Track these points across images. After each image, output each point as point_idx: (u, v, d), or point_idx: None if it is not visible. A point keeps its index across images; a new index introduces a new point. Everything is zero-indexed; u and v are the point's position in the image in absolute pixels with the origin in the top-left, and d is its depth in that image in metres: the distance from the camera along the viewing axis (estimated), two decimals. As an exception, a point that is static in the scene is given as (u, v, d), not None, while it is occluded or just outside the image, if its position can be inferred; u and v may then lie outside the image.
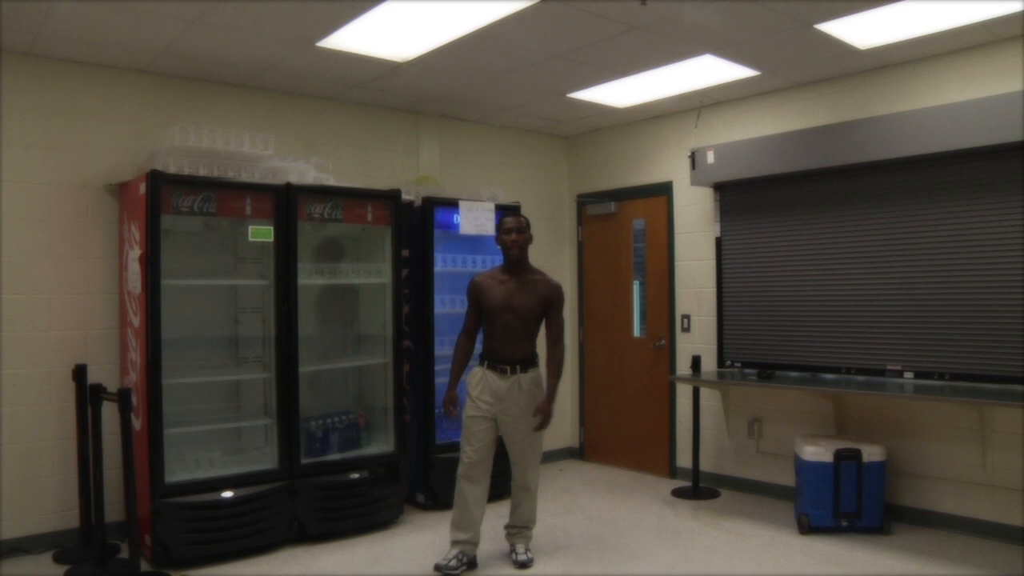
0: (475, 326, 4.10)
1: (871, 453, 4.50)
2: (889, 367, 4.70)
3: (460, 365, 4.11)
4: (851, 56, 4.61)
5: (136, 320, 4.21)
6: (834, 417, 5.03)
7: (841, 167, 4.79)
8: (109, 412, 4.05)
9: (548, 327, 4.05)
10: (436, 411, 5.13)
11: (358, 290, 5.19)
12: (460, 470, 4.01)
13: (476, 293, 4.07)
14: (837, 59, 4.66)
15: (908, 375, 4.62)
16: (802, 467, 4.63)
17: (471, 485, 3.98)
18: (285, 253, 4.39)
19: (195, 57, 4.47)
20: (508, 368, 3.97)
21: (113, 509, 4.30)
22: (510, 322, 3.94)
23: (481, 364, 4.05)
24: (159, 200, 4.00)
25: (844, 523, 4.53)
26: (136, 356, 4.22)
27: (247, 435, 4.71)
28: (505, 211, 4.99)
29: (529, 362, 4.01)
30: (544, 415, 3.95)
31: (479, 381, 4.02)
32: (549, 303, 4.01)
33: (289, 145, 5.07)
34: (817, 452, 4.55)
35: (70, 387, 4.34)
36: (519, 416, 3.97)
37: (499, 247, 4.04)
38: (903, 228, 4.68)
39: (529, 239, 4.01)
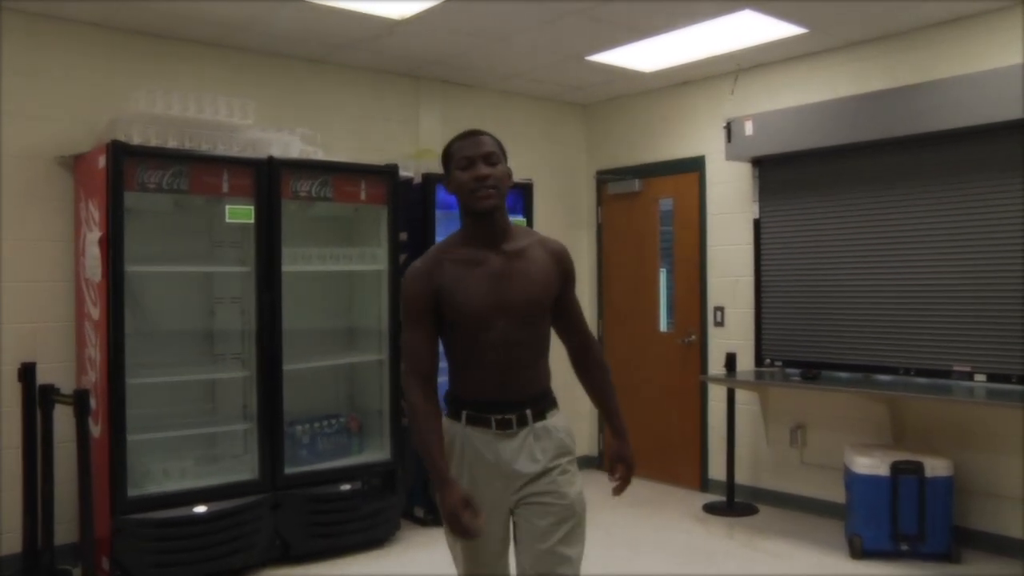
0: (432, 359, 2.41)
1: (935, 467, 4.36)
2: (956, 368, 4.57)
3: (439, 433, 2.38)
4: (915, 8, 4.45)
5: (95, 312, 4.12)
6: (890, 425, 4.91)
7: (901, 138, 4.64)
8: (62, 417, 3.96)
9: (564, 316, 2.55)
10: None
11: (350, 278, 5.16)
12: None
13: (429, 293, 2.38)
14: (898, 12, 4.51)
15: (979, 378, 4.48)
16: (853, 481, 4.53)
17: None
18: (267, 236, 4.35)
19: (163, 10, 4.35)
20: (514, 418, 2.38)
21: (65, 529, 4.17)
22: (507, 332, 2.36)
23: (453, 418, 2.43)
24: (122, 175, 3.95)
25: (904, 547, 4.39)
26: (95, 352, 4.14)
27: (223, 441, 4.65)
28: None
29: (547, 399, 2.47)
30: (629, 467, 2.60)
31: (456, 453, 2.41)
32: (564, 277, 2.50)
33: (272, 114, 4.96)
34: (871, 464, 4.44)
35: (15, 388, 4.21)
36: (550, 487, 2.40)
37: (455, 195, 2.43)
38: (975, 208, 4.53)
39: (507, 175, 2.41)
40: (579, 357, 2.60)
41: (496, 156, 2.38)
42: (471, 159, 2.35)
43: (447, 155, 2.43)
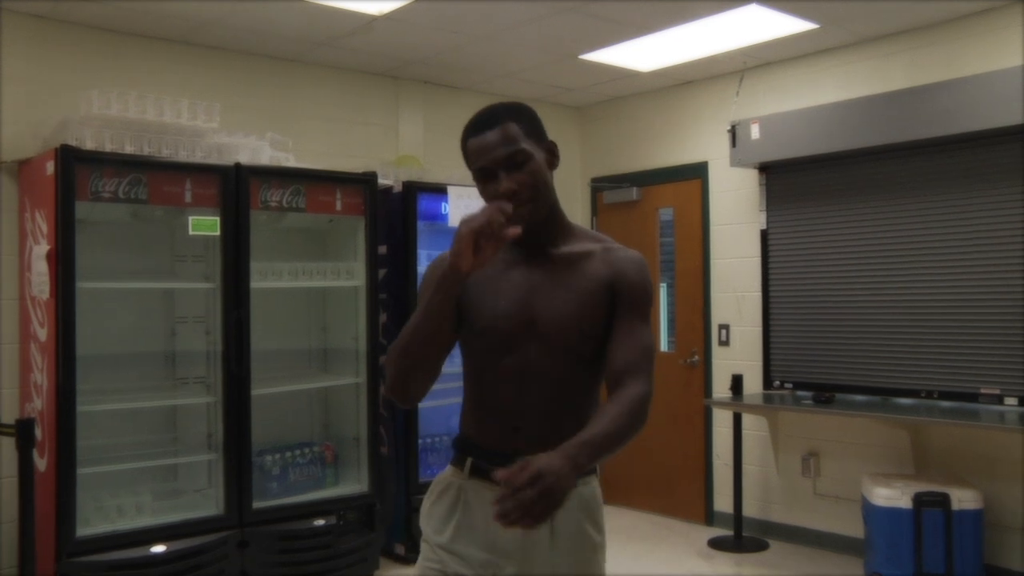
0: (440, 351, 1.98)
1: (963, 499, 4.28)
2: (984, 391, 4.51)
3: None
4: None
5: (42, 332, 4.04)
6: (912, 452, 4.83)
7: (922, 142, 4.59)
8: (3, 449, 3.90)
9: (618, 349, 1.93)
10: (420, 442, 5.04)
11: (325, 295, 5.15)
12: None
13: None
14: (919, 3, 4.48)
15: (1010, 401, 4.41)
16: (872, 514, 4.47)
17: None
18: (234, 249, 4.32)
19: (120, 3, 4.30)
20: None
21: None
22: (533, 360, 1.93)
23: (456, 465, 2.00)
24: (72, 183, 3.89)
25: (930, 587, 4.33)
26: (42, 377, 4.05)
27: (185, 474, 4.60)
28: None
29: None
30: (538, 477, 1.58)
31: (448, 506, 1.98)
32: (622, 299, 1.95)
33: (239, 117, 4.91)
34: (891, 496, 4.39)
35: (-48, 417, 4.13)
36: None
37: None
38: (1005, 216, 4.50)
39: (542, 170, 1.92)
40: (611, 392, 1.93)
41: (521, 153, 1.88)
42: (487, 171, 1.89)
43: (464, 146, 1.96)
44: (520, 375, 1.92)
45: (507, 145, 1.88)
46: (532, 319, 1.91)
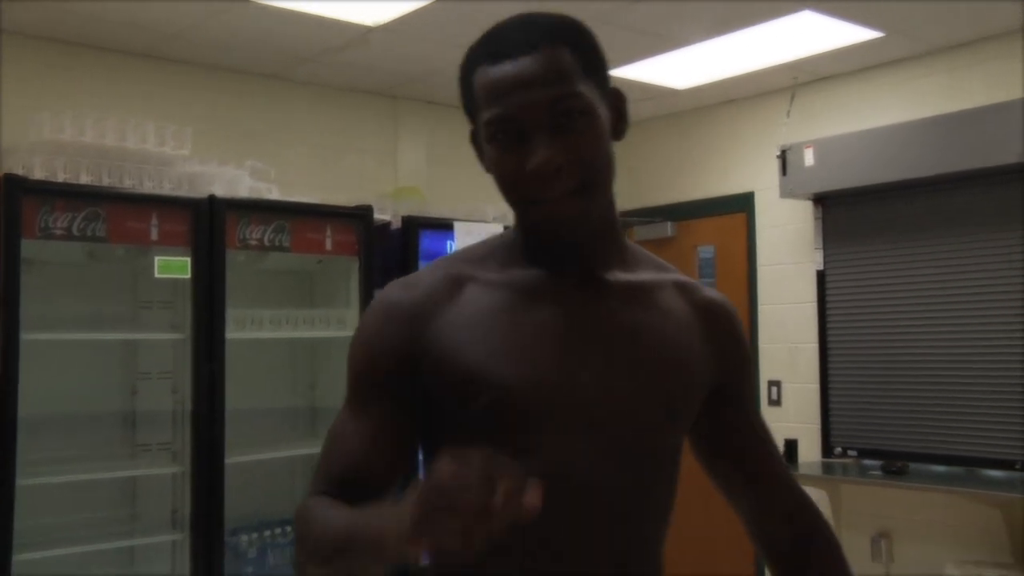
0: (374, 471, 1.30)
1: None
2: None
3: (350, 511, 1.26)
4: None
5: None
6: (1008, 536, 4.63)
7: (1005, 168, 4.50)
8: None
9: (738, 453, 1.54)
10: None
11: (313, 346, 5.12)
12: None
13: (405, 351, 1.33)
14: (1001, 5, 4.39)
15: None
16: None
17: None
18: (208, 295, 4.28)
19: (77, 12, 4.30)
20: None
21: None
22: (595, 464, 1.26)
23: None
24: (18, 218, 3.84)
25: None
26: None
27: (146, 557, 4.44)
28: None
29: None
30: None
31: None
32: (727, 366, 1.42)
33: (214, 143, 4.90)
34: None
35: None
36: None
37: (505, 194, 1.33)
38: None
39: (603, 140, 1.29)
40: (794, 542, 1.50)
41: (577, 100, 1.23)
42: (510, 125, 1.23)
43: (466, 82, 1.31)
44: (569, 490, 1.21)
45: (553, 84, 1.21)
46: (587, 392, 1.26)
